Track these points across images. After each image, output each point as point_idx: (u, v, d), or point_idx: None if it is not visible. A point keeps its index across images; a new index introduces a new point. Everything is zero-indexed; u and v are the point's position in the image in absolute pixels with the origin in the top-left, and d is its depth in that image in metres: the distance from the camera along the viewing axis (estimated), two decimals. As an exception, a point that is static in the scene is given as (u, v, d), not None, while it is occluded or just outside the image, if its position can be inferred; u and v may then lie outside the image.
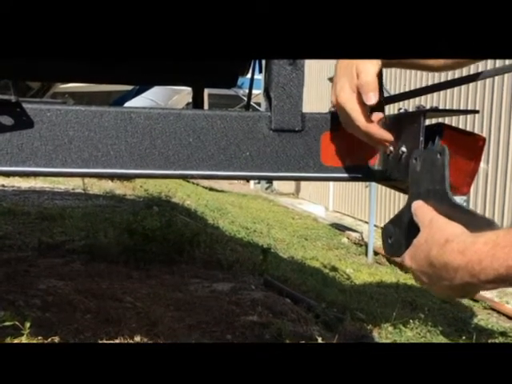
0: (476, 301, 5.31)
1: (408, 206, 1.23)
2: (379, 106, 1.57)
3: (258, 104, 12.81)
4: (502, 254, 0.88)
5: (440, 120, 1.47)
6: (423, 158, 1.24)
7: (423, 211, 1.14)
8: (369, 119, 1.36)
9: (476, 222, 1.03)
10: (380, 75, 1.34)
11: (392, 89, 8.03)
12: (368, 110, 1.36)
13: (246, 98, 3.32)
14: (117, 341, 3.17)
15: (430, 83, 1.67)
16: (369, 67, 1.31)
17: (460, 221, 1.05)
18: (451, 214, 1.09)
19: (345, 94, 1.34)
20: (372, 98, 1.30)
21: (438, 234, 1.04)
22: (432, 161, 1.20)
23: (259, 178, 7.69)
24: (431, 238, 1.05)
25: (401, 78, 8.65)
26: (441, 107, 1.69)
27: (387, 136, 1.36)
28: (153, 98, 11.80)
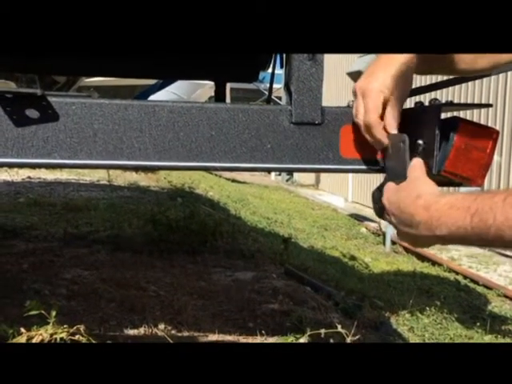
0: (490, 288, 5.31)
1: (385, 180, 1.36)
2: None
3: (279, 98, 12.81)
4: (456, 215, 1.01)
5: (455, 113, 1.51)
6: (392, 142, 1.35)
7: (415, 168, 1.26)
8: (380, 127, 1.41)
9: None
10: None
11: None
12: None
13: (267, 92, 3.33)
14: (141, 329, 3.22)
15: (445, 78, 1.70)
16: (399, 104, 1.41)
17: None
18: None
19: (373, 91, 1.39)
20: (392, 130, 1.39)
21: (414, 188, 1.19)
22: (397, 146, 1.31)
23: (280, 170, 7.67)
24: (408, 190, 1.19)
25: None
26: (455, 101, 1.72)
27: (385, 142, 1.42)
28: (176, 91, 11.80)
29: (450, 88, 7.11)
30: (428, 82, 1.63)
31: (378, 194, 1.41)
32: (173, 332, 3.20)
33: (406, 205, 1.16)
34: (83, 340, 2.23)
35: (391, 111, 1.39)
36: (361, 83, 1.42)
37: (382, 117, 1.40)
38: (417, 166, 1.26)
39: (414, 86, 1.52)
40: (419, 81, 9.06)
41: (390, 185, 1.26)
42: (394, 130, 1.38)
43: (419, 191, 1.16)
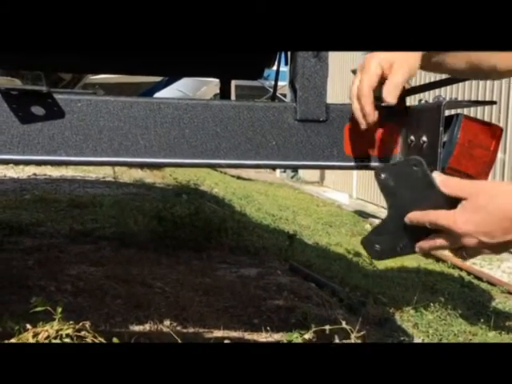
0: (494, 285, 5.32)
1: (391, 216, 1.28)
2: (400, 98, 1.62)
3: (284, 95, 12.80)
4: None
5: (459, 111, 1.51)
6: (395, 173, 1.28)
7: (455, 183, 1.19)
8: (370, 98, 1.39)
9: None
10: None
11: (413, 81, 7.98)
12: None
13: (272, 90, 3.34)
14: (146, 325, 3.23)
15: (449, 76, 1.70)
16: (402, 72, 1.36)
17: None
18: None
19: (370, 69, 1.37)
20: (389, 100, 1.35)
21: (506, 187, 1.14)
22: (408, 173, 1.24)
23: (285, 167, 7.67)
24: (499, 196, 1.12)
25: (421, 71, 8.60)
26: (459, 98, 1.72)
27: (371, 117, 1.40)
28: (181, 89, 11.78)
29: (454, 85, 7.10)
30: (432, 79, 1.64)
31: (376, 238, 1.36)
32: (178, 328, 3.22)
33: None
34: (89, 336, 2.24)
35: (391, 81, 1.36)
36: (362, 62, 1.41)
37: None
38: (453, 181, 1.20)
39: (415, 84, 1.52)
40: (422, 78, 9.01)
41: (450, 212, 1.16)
42: (392, 99, 1.35)
43: None
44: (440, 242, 1.19)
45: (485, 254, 1.19)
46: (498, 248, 1.14)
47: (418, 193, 1.22)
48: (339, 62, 11.79)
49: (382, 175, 1.29)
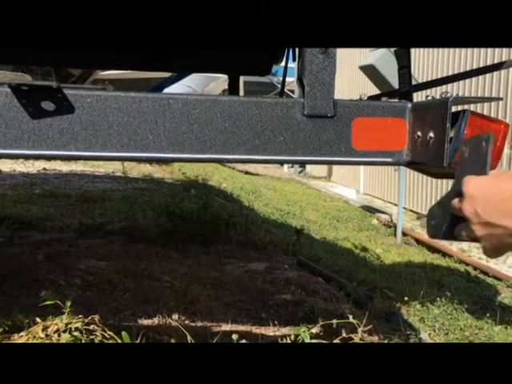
0: (500, 280, 5.33)
1: (452, 190, 1.27)
2: (407, 94, 1.64)
3: (292, 91, 12.82)
4: None
5: (465, 107, 1.52)
6: (471, 145, 1.28)
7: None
8: None
9: None
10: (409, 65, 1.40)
11: (420, 77, 7.98)
12: None
13: (280, 85, 3.34)
14: (155, 319, 3.25)
15: (456, 72, 1.70)
16: None
17: None
18: None
19: None
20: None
21: None
22: (477, 148, 1.24)
23: (293, 162, 7.65)
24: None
25: (428, 67, 8.59)
26: (466, 95, 1.73)
27: None
28: (190, 84, 11.78)
29: (461, 81, 7.09)
30: (439, 76, 1.64)
31: (436, 211, 1.35)
32: (186, 322, 3.23)
33: None
34: (98, 330, 2.26)
35: None
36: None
37: None
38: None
39: (422, 80, 1.54)
40: (430, 74, 8.92)
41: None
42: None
43: None
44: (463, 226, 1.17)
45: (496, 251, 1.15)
46: (494, 238, 1.07)
47: (476, 169, 1.22)
48: (348, 58, 11.78)
49: (464, 146, 1.29)
